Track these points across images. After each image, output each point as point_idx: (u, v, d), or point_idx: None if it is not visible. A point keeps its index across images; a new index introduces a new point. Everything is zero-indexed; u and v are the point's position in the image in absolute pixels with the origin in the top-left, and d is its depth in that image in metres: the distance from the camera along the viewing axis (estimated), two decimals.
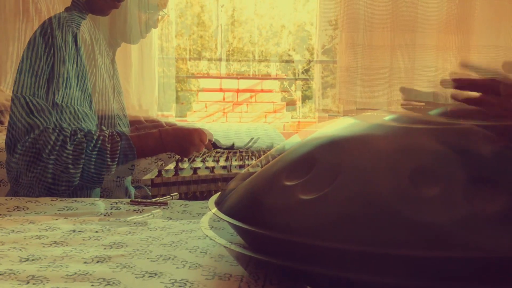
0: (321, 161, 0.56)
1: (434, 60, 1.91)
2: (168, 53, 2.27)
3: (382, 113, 0.65)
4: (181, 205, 0.95)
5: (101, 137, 1.09)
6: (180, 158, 1.32)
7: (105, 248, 0.68)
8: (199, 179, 1.19)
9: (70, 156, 1.05)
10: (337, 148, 0.58)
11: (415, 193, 0.49)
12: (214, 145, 1.38)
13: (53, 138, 1.04)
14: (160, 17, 1.32)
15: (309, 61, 5.79)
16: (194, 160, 1.32)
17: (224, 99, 5.10)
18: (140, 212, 0.90)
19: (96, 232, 0.76)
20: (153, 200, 0.98)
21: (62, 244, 0.70)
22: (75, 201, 0.97)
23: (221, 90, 5.15)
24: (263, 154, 1.24)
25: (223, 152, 1.41)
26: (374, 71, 1.97)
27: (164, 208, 0.93)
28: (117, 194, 1.29)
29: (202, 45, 6.54)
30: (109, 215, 0.87)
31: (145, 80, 2.06)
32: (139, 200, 0.97)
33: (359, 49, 1.93)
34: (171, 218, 0.85)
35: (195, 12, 6.42)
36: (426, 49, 1.89)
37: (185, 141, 1.18)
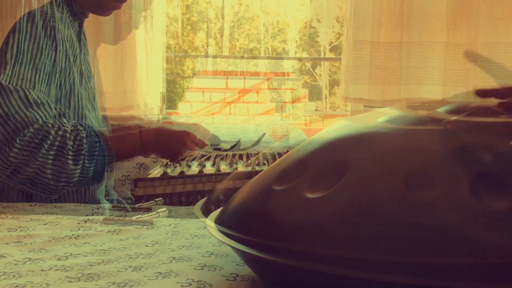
0: (352, 169, 0.60)
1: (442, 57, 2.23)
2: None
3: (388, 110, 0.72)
4: (170, 225, 0.95)
5: (60, 132, 1.14)
6: (168, 162, 1.35)
7: (70, 281, 0.68)
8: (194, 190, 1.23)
9: (70, 153, 1.16)
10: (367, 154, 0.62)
11: (412, 197, 0.55)
12: (215, 147, 1.43)
13: (52, 133, 1.14)
14: (142, 18, 1.42)
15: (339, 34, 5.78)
16: (189, 165, 1.33)
17: (227, 85, 5.10)
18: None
19: (59, 259, 0.76)
20: (136, 205, 1.09)
21: (14, 276, 0.69)
22: (31, 219, 0.97)
23: (221, 73, 5.15)
24: (278, 157, 1.23)
25: (226, 155, 1.41)
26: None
27: (148, 228, 0.94)
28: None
29: (198, 14, 6.55)
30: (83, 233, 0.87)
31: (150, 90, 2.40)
32: (120, 207, 1.07)
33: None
34: (157, 242, 0.85)
35: None
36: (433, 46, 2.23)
37: (172, 142, 1.27)
